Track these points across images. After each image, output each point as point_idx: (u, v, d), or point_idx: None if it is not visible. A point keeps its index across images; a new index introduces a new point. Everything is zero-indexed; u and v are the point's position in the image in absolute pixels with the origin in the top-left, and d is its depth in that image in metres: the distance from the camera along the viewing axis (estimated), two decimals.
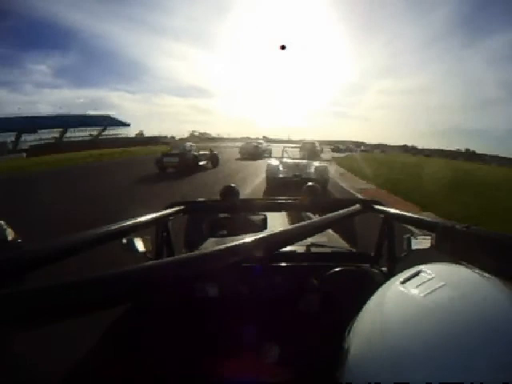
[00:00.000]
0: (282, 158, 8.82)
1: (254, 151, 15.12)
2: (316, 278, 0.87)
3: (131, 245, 1.03)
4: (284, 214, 1.85)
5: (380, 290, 0.39)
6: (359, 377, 0.31)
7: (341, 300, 0.89)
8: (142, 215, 0.72)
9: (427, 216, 0.79)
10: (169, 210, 0.99)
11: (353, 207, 0.93)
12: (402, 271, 0.40)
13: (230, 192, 2.11)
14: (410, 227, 1.04)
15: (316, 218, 0.78)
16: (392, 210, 0.94)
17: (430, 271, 0.35)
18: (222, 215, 1.88)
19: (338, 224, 1.57)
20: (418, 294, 0.31)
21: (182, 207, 1.06)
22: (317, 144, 13.23)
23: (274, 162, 8.42)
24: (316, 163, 8.16)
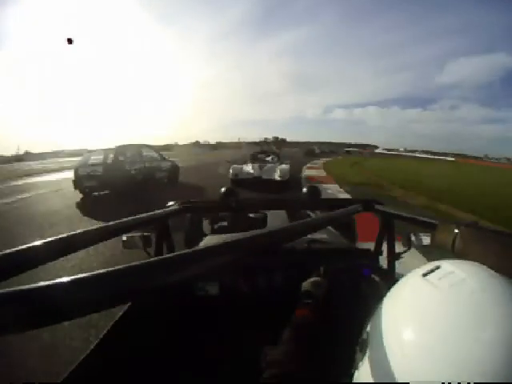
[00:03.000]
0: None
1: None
2: (317, 274, 0.87)
3: (131, 242, 1.03)
4: (284, 213, 1.85)
5: (400, 283, 0.40)
6: (400, 375, 0.30)
7: (342, 297, 0.89)
8: (142, 213, 0.72)
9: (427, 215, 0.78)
10: (169, 209, 0.99)
11: (353, 206, 0.94)
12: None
13: (229, 194, 2.10)
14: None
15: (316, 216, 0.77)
16: (392, 210, 0.94)
17: (448, 266, 0.36)
18: (221, 214, 1.88)
19: (337, 223, 1.57)
20: (442, 285, 0.34)
21: (182, 207, 1.06)
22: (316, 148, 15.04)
23: (240, 164, 9.29)
24: (283, 165, 9.23)
